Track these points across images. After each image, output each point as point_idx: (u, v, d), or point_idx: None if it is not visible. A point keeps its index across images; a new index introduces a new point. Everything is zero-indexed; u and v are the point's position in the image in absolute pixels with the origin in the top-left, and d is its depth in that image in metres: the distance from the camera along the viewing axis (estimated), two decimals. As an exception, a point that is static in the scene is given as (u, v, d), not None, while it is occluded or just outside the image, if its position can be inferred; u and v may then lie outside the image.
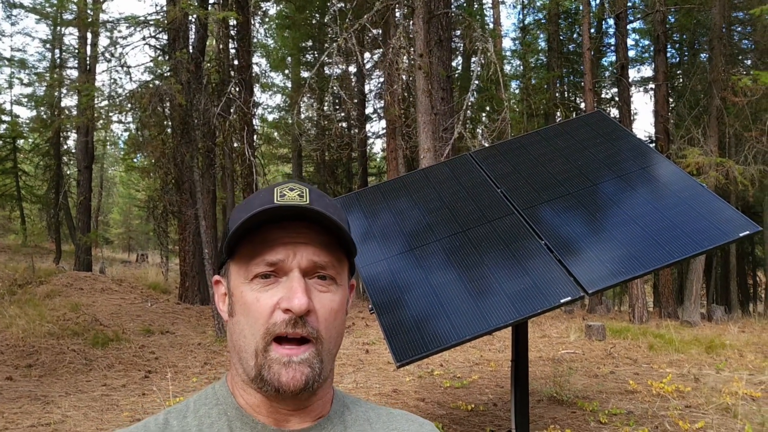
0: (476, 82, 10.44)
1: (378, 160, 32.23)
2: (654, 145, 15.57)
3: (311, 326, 0.76)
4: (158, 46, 13.20)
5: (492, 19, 23.15)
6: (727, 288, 21.76)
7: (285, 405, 0.80)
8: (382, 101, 19.81)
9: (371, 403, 0.91)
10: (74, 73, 20.97)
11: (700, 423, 4.89)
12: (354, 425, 0.85)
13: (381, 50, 17.13)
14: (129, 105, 10.50)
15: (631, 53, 21.83)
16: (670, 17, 18.33)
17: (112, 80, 22.90)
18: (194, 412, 0.82)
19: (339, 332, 0.82)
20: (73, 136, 22.17)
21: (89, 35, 18.46)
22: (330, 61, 10.69)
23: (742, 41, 19.16)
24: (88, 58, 18.31)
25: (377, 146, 32.36)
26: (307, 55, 23.99)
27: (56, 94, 20.66)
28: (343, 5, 16.31)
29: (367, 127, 23.76)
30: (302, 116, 23.60)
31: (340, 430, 0.83)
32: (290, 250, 0.77)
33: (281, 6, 20.97)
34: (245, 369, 0.78)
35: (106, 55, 12.70)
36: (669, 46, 19.71)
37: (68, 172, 23.86)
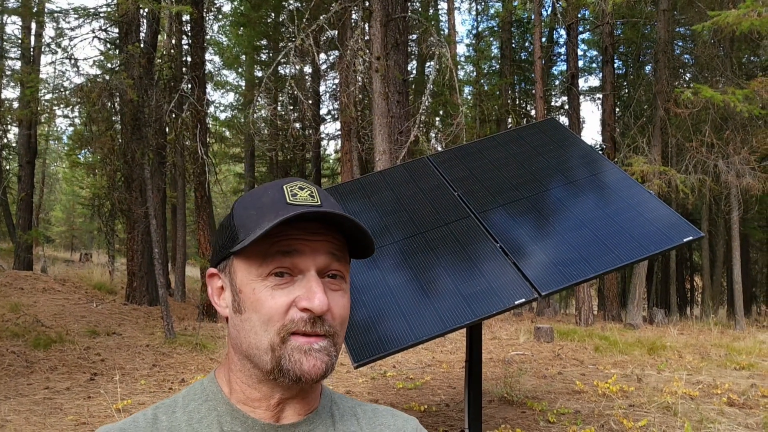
0: (431, 86, 10.55)
1: (331, 161, 32.16)
2: (602, 152, 16.05)
3: (328, 324, 0.78)
4: (108, 40, 12.82)
5: (447, 25, 23.44)
6: (667, 292, 22.65)
7: (290, 392, 0.81)
8: (337, 102, 19.78)
9: (355, 399, 0.93)
10: (16, 64, 20.16)
11: (643, 421, 5.08)
12: (342, 420, 0.87)
13: (336, 51, 17.12)
14: (76, 99, 10.16)
15: (580, 63, 22.45)
16: (617, 30, 18.96)
17: (58, 73, 22.14)
18: (183, 407, 0.82)
19: (346, 329, 0.86)
20: (13, 129, 21.28)
21: (33, 25, 17.76)
22: (285, 61, 10.61)
23: (684, 55, 19.97)
24: (32, 49, 17.61)
25: (330, 148, 32.26)
26: (262, 54, 23.75)
27: (-4, 85, 19.81)
28: (299, 5, 16.23)
29: (321, 128, 23.68)
30: (256, 115, 23.33)
31: (329, 424, 0.85)
32: (307, 250, 0.78)
33: (236, 3, 20.71)
34: (258, 364, 0.79)
35: (53, 46, 12.25)
36: (616, 58, 20.39)
37: (7, 168, 22.89)
